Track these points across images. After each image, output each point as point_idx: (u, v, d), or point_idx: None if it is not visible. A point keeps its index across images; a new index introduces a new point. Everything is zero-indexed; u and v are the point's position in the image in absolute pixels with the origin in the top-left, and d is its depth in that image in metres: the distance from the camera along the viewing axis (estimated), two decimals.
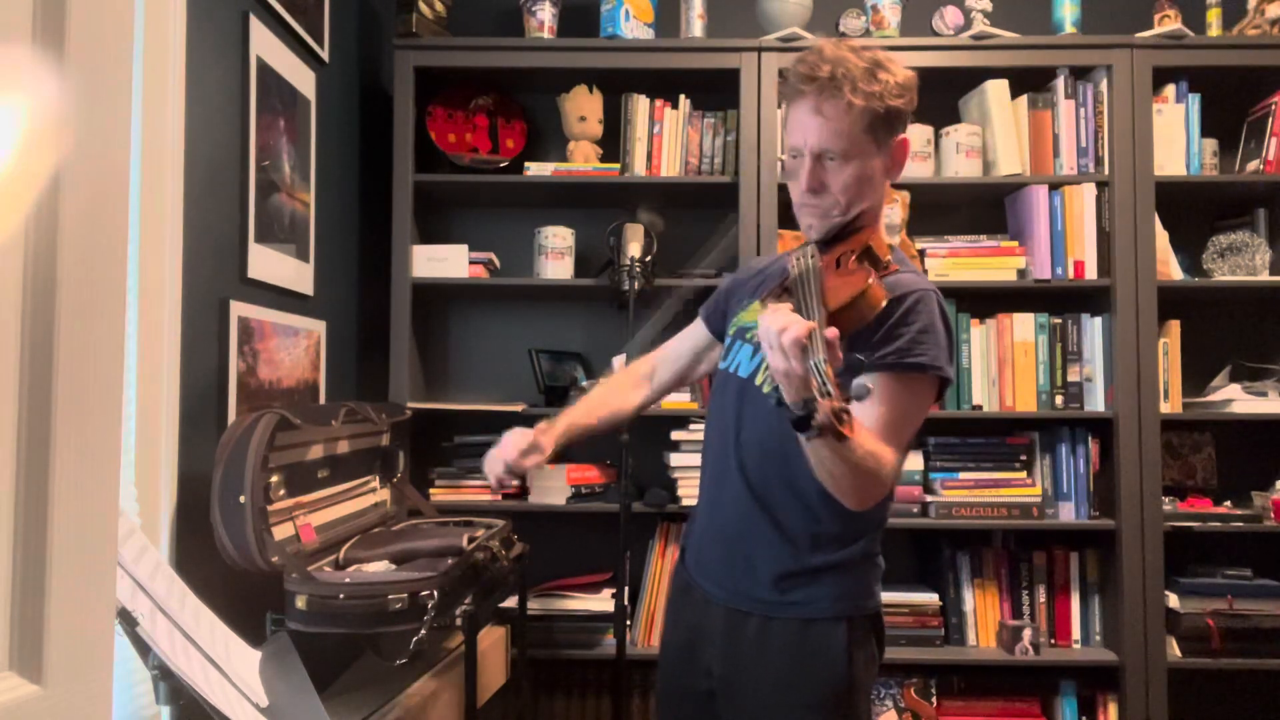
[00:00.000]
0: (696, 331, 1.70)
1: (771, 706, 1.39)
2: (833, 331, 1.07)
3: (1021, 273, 2.51)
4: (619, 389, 1.76)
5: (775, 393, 1.11)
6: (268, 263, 1.95)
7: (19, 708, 0.58)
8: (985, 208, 2.69)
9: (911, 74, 1.40)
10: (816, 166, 1.37)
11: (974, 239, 2.55)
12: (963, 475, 2.49)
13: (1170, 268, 2.51)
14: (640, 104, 2.57)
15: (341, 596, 1.51)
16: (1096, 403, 2.47)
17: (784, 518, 1.41)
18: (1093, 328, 2.49)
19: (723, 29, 2.71)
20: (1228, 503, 2.53)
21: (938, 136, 2.58)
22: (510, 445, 1.59)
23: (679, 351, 1.73)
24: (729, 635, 1.44)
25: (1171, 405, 2.45)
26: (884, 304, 1.23)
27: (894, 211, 2.45)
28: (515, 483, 1.60)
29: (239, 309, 1.80)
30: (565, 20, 2.62)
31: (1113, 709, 2.45)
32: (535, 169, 2.55)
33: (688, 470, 2.49)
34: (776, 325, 1.08)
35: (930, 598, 2.50)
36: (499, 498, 2.50)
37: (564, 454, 2.67)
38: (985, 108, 2.54)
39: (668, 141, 2.57)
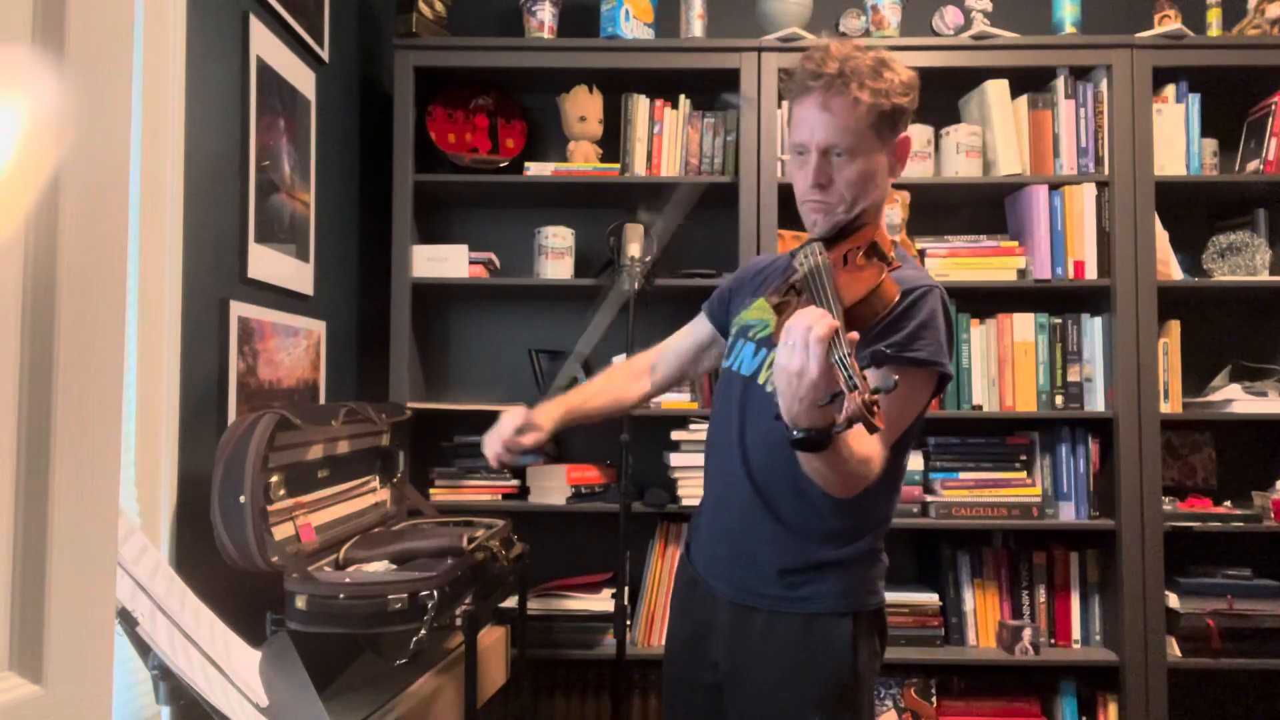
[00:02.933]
0: (699, 327, 1.70)
1: (777, 700, 1.40)
2: (853, 334, 1.08)
3: (1021, 273, 2.51)
4: (620, 379, 1.76)
5: (776, 406, 1.12)
6: (268, 263, 1.95)
7: (19, 708, 0.58)
8: (985, 208, 2.69)
9: (914, 74, 1.42)
10: (823, 162, 1.38)
11: (974, 239, 2.55)
12: (963, 475, 2.49)
13: (1170, 268, 2.51)
14: (640, 104, 2.57)
15: (341, 596, 1.51)
16: (1096, 403, 2.47)
17: (789, 515, 1.42)
18: (1093, 328, 2.49)
19: (723, 29, 2.72)
20: (1228, 503, 2.53)
21: (938, 136, 2.58)
22: (507, 424, 1.61)
23: (681, 347, 1.73)
24: (735, 630, 1.45)
25: (1171, 405, 2.45)
26: (896, 299, 1.23)
27: (894, 211, 2.45)
28: (520, 462, 1.54)
29: (239, 309, 1.80)
30: (565, 20, 2.62)
31: (1113, 709, 2.45)
32: (535, 169, 2.55)
33: (688, 470, 2.49)
34: (805, 323, 1.06)
35: (930, 598, 2.50)
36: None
37: (564, 454, 2.71)
38: (985, 108, 2.54)
39: (668, 141, 2.57)
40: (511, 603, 2.11)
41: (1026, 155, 2.53)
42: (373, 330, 2.59)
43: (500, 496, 2.54)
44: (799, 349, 1.06)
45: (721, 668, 1.46)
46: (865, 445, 1.23)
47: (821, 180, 1.38)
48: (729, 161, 2.57)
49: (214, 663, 1.20)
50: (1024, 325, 2.51)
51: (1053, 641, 2.51)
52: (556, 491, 2.50)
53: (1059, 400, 2.49)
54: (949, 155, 2.55)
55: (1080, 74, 2.54)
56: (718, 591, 1.49)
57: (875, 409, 0.99)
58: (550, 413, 1.64)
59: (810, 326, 1.05)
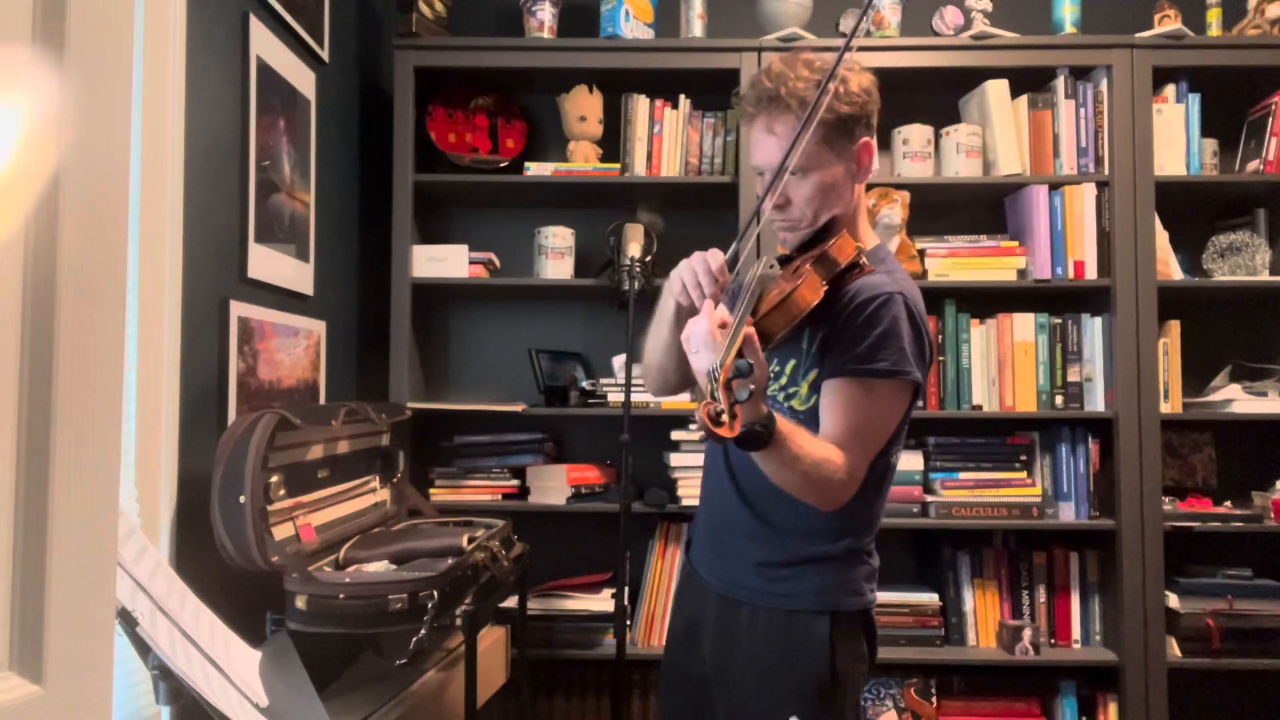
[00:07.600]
0: None
1: (758, 694, 1.42)
2: (750, 331, 1.15)
3: (1021, 273, 2.51)
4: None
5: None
6: (268, 263, 1.95)
7: (19, 708, 0.58)
8: (985, 208, 2.69)
9: (868, 77, 1.44)
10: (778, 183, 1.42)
11: (974, 239, 2.55)
12: (963, 475, 2.49)
13: (1170, 268, 2.51)
14: (640, 104, 2.57)
15: (341, 596, 1.51)
16: (1096, 403, 2.47)
17: (768, 511, 1.44)
18: (1093, 328, 2.49)
19: (723, 29, 2.71)
20: (1228, 503, 2.53)
21: (938, 136, 2.58)
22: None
23: None
24: (722, 623, 1.47)
25: (1171, 405, 2.45)
26: (814, 303, 1.28)
27: (894, 212, 2.45)
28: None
29: (239, 309, 1.80)
30: (565, 20, 2.62)
31: (1113, 709, 2.45)
32: (535, 169, 2.55)
33: (688, 470, 2.49)
34: (695, 330, 1.19)
35: (930, 598, 2.50)
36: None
37: (564, 454, 2.71)
38: (985, 108, 2.54)
39: (668, 141, 2.57)
40: (511, 603, 2.11)
41: (1026, 155, 2.53)
42: (373, 330, 2.59)
43: (500, 496, 2.54)
44: (692, 354, 1.19)
45: (709, 661, 1.49)
46: (818, 448, 1.27)
47: (779, 201, 1.42)
48: (729, 162, 2.57)
49: (214, 663, 1.20)
50: (1024, 325, 2.51)
51: (1053, 641, 2.51)
52: (556, 491, 2.50)
53: (1059, 400, 2.49)
54: (949, 155, 2.55)
55: (1080, 74, 2.54)
56: (707, 584, 1.52)
57: (722, 418, 1.08)
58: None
59: (695, 333, 1.18)
